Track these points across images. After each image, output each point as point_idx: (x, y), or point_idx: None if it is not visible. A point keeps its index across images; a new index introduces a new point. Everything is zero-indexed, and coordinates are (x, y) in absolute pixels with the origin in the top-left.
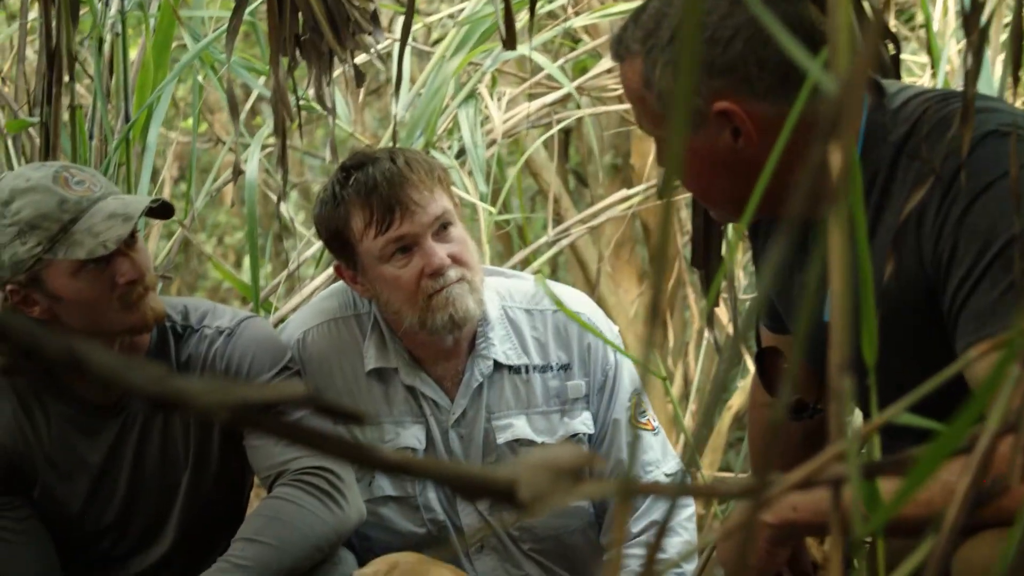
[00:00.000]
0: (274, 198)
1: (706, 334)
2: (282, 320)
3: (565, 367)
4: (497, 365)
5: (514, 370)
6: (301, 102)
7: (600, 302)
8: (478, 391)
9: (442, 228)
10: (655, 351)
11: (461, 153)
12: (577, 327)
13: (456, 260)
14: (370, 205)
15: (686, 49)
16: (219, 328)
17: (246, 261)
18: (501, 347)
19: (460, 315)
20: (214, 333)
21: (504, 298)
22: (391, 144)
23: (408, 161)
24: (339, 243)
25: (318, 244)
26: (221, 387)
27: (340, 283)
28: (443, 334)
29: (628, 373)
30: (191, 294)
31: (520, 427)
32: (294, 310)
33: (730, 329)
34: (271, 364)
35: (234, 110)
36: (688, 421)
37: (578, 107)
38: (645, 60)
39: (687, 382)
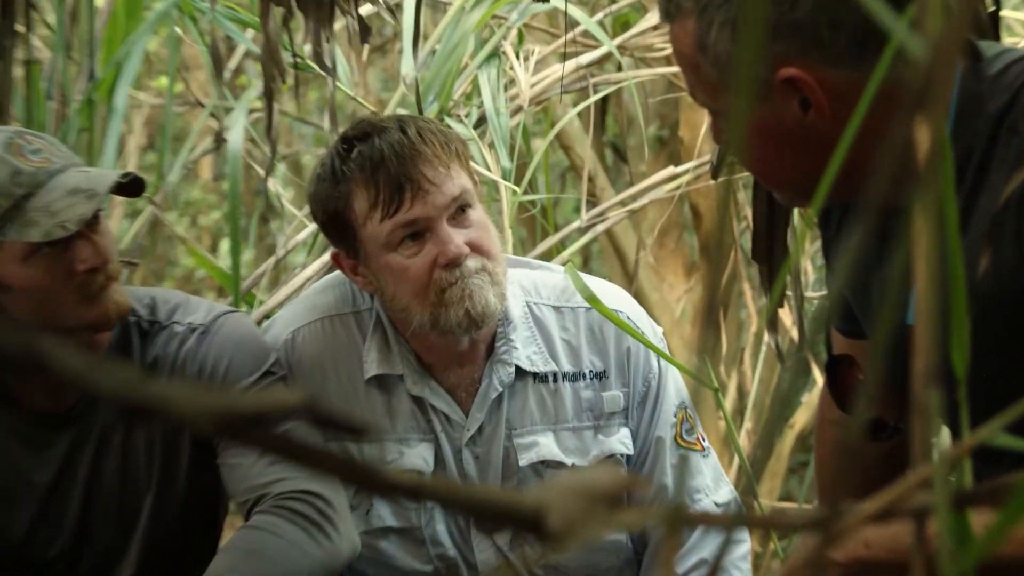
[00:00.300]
0: (260, 172)
1: (766, 338)
2: (267, 316)
3: (600, 375)
4: (520, 372)
5: (540, 378)
6: (295, 60)
7: (640, 299)
8: (497, 403)
9: (459, 211)
10: (706, 358)
11: (481, 122)
12: (615, 328)
13: (475, 248)
14: (376, 183)
15: (750, 5)
16: (192, 325)
17: (224, 245)
18: (525, 351)
19: (479, 311)
20: (186, 330)
21: (529, 293)
22: (399, 111)
23: (421, 132)
24: (338, 227)
25: (311, 227)
26: (205, 393)
27: (337, 274)
28: (458, 334)
29: (674, 383)
30: (159, 283)
31: (546, 446)
32: (281, 305)
33: (795, 333)
34: (252, 368)
35: (217, 68)
36: (743, 441)
37: (619, 69)
38: (699, 19)
39: (743, 395)
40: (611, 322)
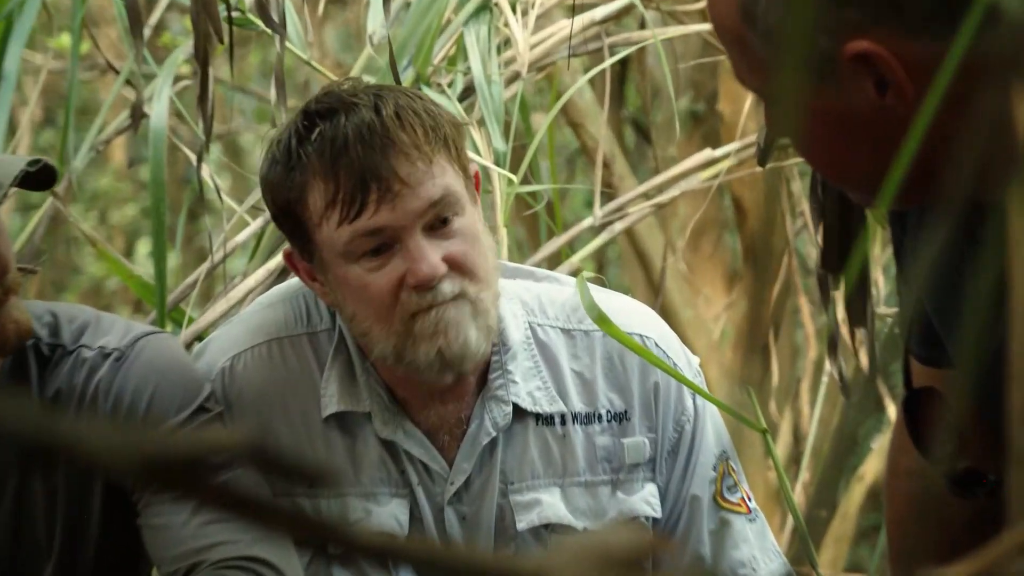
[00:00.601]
0: (190, 156)
1: (827, 366)
2: (200, 338)
3: (620, 417)
4: (518, 412)
5: (544, 420)
6: (234, 14)
7: (669, 317)
8: (489, 450)
9: (439, 221)
10: (751, 390)
11: (468, 93)
12: (639, 358)
13: (455, 266)
14: (335, 176)
15: None
16: (104, 349)
17: (143, 247)
18: (526, 385)
19: (454, 351)
20: (96, 356)
21: (532, 312)
22: (364, 79)
23: (399, 112)
24: (291, 224)
25: (254, 225)
26: (126, 431)
27: (287, 285)
28: (428, 376)
29: (713, 428)
30: (60, 296)
31: (551, 505)
32: (217, 323)
33: (864, 359)
34: (181, 403)
35: (135, 23)
36: (799, 497)
37: (642, 26)
38: None
39: (798, 438)
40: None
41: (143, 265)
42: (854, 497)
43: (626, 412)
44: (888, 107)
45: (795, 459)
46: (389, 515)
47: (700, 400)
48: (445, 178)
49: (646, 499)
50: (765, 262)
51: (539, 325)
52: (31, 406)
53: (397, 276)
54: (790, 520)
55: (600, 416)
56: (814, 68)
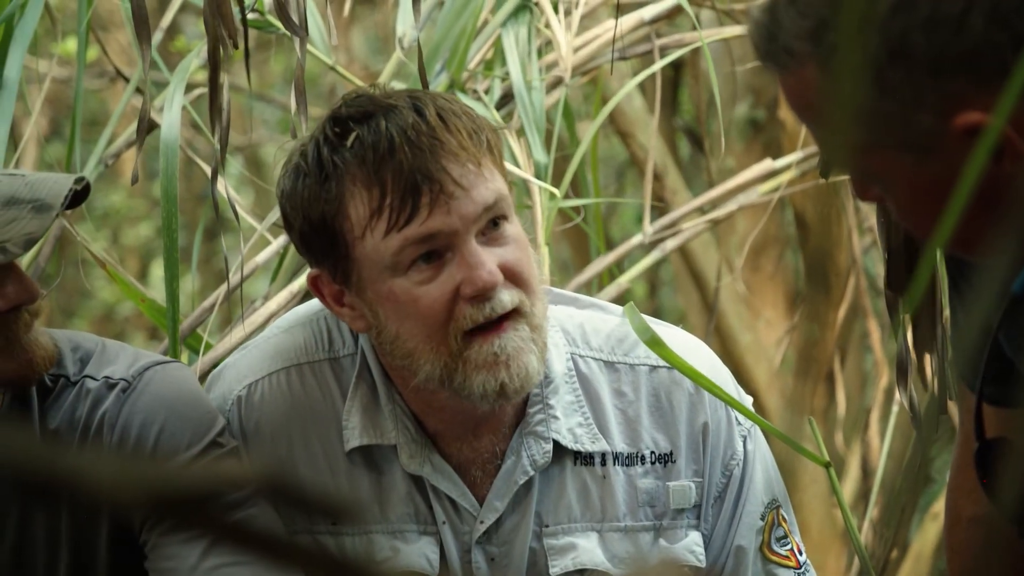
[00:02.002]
0: (206, 170)
1: (897, 396)
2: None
3: (665, 459)
4: (557, 449)
5: (584, 459)
6: (251, 15)
7: (726, 341)
8: (525, 490)
9: (492, 224)
10: (812, 420)
11: (506, 100)
12: (688, 396)
13: (511, 276)
14: (381, 182)
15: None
16: (109, 379)
17: (157, 270)
18: (567, 421)
19: (516, 384)
20: (101, 387)
21: (575, 342)
22: (393, 84)
23: (442, 114)
24: (324, 240)
25: (276, 244)
26: (139, 467)
27: (306, 307)
28: (480, 405)
29: (763, 473)
30: (69, 323)
31: (588, 551)
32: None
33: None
34: (192, 438)
35: (141, 25)
36: (867, 536)
37: (694, 27)
38: (822, 67)
39: (867, 472)
40: (682, 388)
41: (158, 289)
42: (928, 537)
43: (671, 454)
44: (1002, 174)
45: (863, 495)
46: (418, 554)
47: (751, 444)
48: (495, 181)
49: (690, 548)
50: (830, 282)
51: (581, 356)
52: (34, 440)
53: (452, 287)
54: (856, 562)
55: (643, 457)
56: (917, 144)
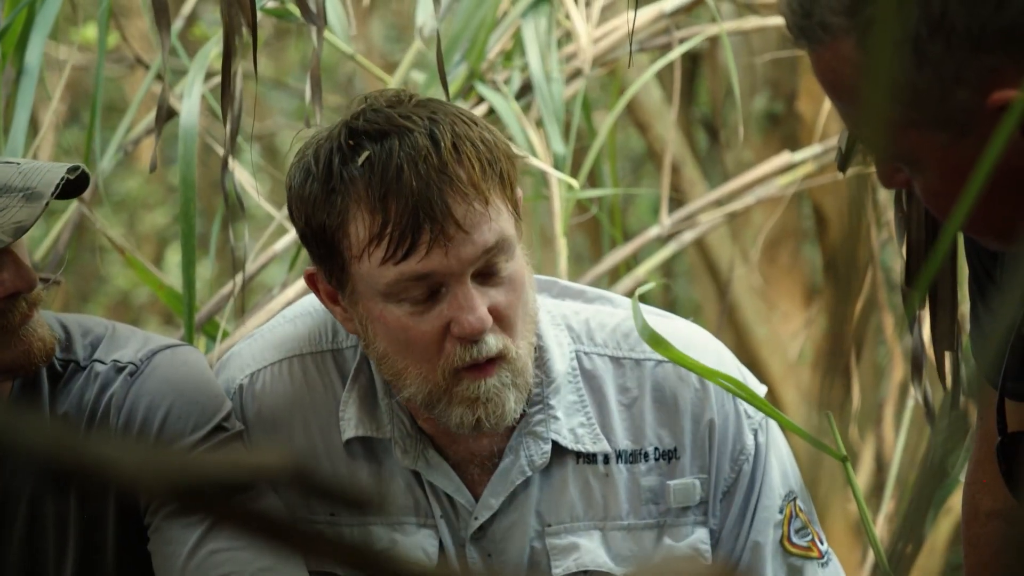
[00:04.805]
0: (222, 155)
1: (911, 390)
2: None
3: (669, 455)
4: (558, 448)
5: (586, 458)
6: (270, 3)
7: (741, 334)
8: (523, 489)
9: (489, 267)
10: (830, 414)
11: (525, 91)
12: (693, 392)
13: (500, 319)
14: (384, 210)
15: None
16: (118, 363)
17: (173, 256)
18: (568, 422)
19: (491, 422)
20: (109, 370)
21: (580, 339)
22: (412, 75)
23: (456, 142)
24: (323, 248)
25: (294, 232)
26: (156, 453)
27: (313, 296)
28: (457, 431)
29: (779, 466)
30: (84, 308)
31: (591, 551)
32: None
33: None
34: (197, 421)
35: (160, 12)
36: (882, 530)
37: (713, 19)
38: (861, 41)
39: (882, 466)
40: (687, 384)
41: (174, 275)
42: (942, 531)
43: (675, 450)
44: None
45: (878, 489)
46: (416, 546)
47: (763, 438)
48: (500, 221)
49: (695, 545)
50: (848, 276)
51: (586, 353)
52: (45, 425)
53: (442, 323)
54: (871, 555)
55: (647, 454)
56: (952, 122)
